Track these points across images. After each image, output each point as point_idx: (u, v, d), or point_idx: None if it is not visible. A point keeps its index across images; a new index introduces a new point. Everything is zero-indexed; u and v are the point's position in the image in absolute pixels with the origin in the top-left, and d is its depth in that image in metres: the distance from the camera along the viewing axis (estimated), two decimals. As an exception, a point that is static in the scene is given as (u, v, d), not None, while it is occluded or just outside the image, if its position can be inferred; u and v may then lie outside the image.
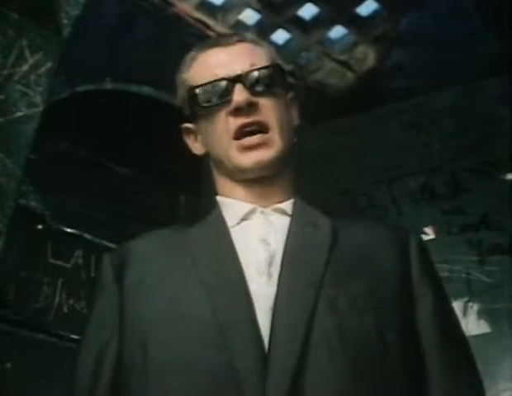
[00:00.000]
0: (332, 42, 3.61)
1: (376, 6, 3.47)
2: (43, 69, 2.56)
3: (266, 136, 1.24)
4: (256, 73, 1.26)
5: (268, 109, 1.25)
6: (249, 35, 1.37)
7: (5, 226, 2.33)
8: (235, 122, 1.24)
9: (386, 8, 3.44)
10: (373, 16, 3.50)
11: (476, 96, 3.23)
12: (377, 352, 1.08)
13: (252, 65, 1.27)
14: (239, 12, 3.38)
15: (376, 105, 3.48)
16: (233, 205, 1.27)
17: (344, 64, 3.64)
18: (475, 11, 3.26)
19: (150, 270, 1.21)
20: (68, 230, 3.11)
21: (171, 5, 3.19)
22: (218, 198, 1.31)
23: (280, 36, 3.56)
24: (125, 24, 3.09)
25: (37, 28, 2.55)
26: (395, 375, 1.09)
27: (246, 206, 1.26)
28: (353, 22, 3.52)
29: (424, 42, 3.41)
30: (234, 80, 1.24)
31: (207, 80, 1.27)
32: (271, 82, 1.28)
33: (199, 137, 1.33)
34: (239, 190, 1.28)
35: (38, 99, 2.53)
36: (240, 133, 1.24)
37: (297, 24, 3.50)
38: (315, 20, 3.50)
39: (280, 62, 1.37)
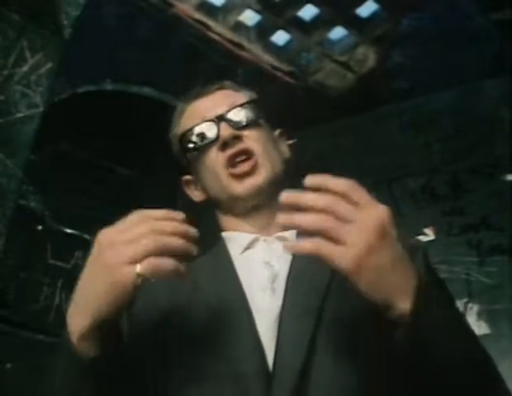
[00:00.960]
0: (332, 43, 3.61)
1: (377, 7, 3.47)
2: (43, 70, 2.56)
3: (254, 160, 1.33)
4: (236, 110, 1.37)
5: (253, 138, 1.36)
6: (228, 83, 1.49)
7: (5, 226, 2.33)
8: (224, 155, 1.34)
9: (386, 9, 3.44)
10: (373, 17, 3.50)
11: (475, 97, 3.23)
12: (384, 357, 1.09)
13: (232, 105, 1.38)
14: (240, 13, 3.38)
15: (376, 105, 3.48)
16: (236, 236, 1.33)
17: (344, 65, 3.64)
18: (475, 12, 3.26)
19: (155, 300, 1.24)
20: (68, 231, 3.11)
21: (171, 6, 3.19)
22: (223, 234, 1.37)
23: (280, 37, 3.56)
24: (125, 25, 3.09)
25: (37, 29, 2.56)
26: (403, 380, 1.08)
27: (249, 237, 1.32)
28: (353, 23, 3.51)
29: (425, 43, 3.41)
30: (217, 120, 1.36)
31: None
32: (251, 115, 1.39)
33: (198, 184, 1.43)
34: (243, 223, 1.35)
35: (38, 100, 2.53)
36: (231, 164, 1.34)
37: (297, 25, 3.49)
38: (315, 21, 3.50)
39: (258, 100, 1.47)
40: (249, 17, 3.44)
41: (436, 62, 3.37)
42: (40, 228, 3.01)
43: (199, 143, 1.37)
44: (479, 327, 2.80)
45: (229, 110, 1.37)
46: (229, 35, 3.38)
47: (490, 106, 3.17)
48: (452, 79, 3.26)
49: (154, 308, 1.23)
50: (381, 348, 1.10)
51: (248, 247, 1.30)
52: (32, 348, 2.81)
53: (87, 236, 3.16)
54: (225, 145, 1.34)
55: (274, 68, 3.54)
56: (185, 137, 1.40)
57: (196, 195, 1.45)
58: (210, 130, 1.36)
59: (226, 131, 1.34)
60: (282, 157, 1.42)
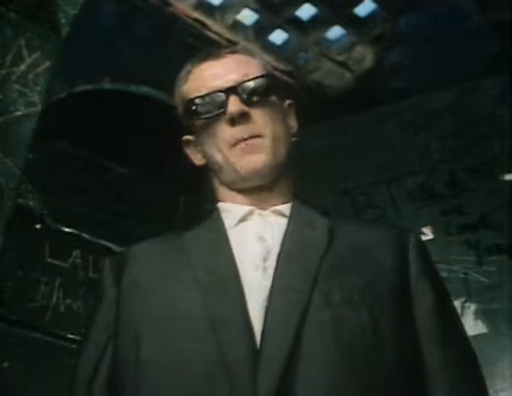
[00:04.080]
0: (330, 42, 3.61)
1: (374, 6, 3.47)
2: (41, 69, 2.56)
3: (260, 140, 1.27)
4: (249, 84, 1.30)
5: (263, 119, 1.29)
6: (241, 47, 1.43)
7: (3, 225, 2.33)
8: (231, 133, 1.28)
9: (384, 8, 3.44)
10: (371, 17, 3.50)
11: (475, 96, 3.23)
12: (371, 346, 1.09)
13: (245, 75, 1.31)
14: (237, 12, 3.39)
15: (374, 105, 3.48)
16: (232, 208, 1.30)
17: (342, 65, 3.64)
18: (474, 11, 3.26)
19: (145, 271, 1.24)
20: (67, 230, 3.11)
21: (169, 5, 3.20)
22: (218, 204, 1.34)
23: (278, 36, 3.57)
24: (123, 23, 3.09)
25: (35, 27, 2.56)
26: (389, 370, 1.09)
27: (244, 209, 1.29)
28: (351, 23, 3.52)
29: (423, 42, 3.41)
30: (228, 91, 1.28)
31: (203, 92, 1.31)
32: (265, 91, 1.32)
33: (199, 148, 1.37)
34: (239, 196, 1.31)
35: (36, 98, 2.53)
36: (237, 144, 1.28)
37: (295, 24, 3.50)
38: (313, 20, 3.50)
39: (270, 69, 1.42)
40: (247, 16, 3.45)
41: (434, 61, 3.38)
42: (38, 226, 3.01)
43: (205, 114, 1.31)
44: (477, 326, 2.80)
45: (240, 83, 1.30)
46: (227, 34, 3.38)
47: (489, 105, 3.17)
48: (451, 78, 3.26)
49: (143, 280, 1.22)
50: (371, 332, 1.10)
51: (242, 220, 1.28)
52: (29, 347, 2.80)
53: (85, 235, 3.16)
54: (232, 121, 1.28)
55: (272, 67, 3.54)
56: (190, 104, 1.33)
57: (196, 157, 1.39)
58: (218, 102, 1.29)
59: (235, 106, 1.27)
60: (289, 134, 1.36)
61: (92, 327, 1.26)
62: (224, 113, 1.28)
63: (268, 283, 1.14)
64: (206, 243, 1.25)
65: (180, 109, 1.39)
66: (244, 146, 1.27)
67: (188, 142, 1.40)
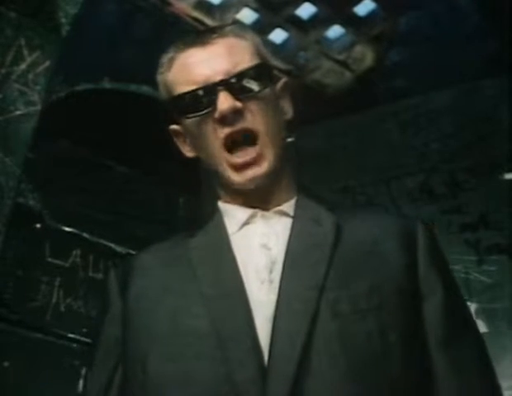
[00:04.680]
0: (330, 41, 3.61)
1: (374, 5, 3.47)
2: (41, 68, 2.56)
3: (257, 150, 1.19)
4: (240, 76, 1.20)
5: (256, 113, 1.20)
6: (230, 29, 1.29)
7: (3, 225, 2.33)
8: (223, 131, 1.18)
9: (383, 8, 3.45)
10: (371, 16, 3.51)
11: (474, 96, 3.23)
12: (380, 355, 1.06)
13: (236, 64, 1.21)
14: (237, 11, 3.38)
15: (374, 104, 3.48)
16: (233, 211, 1.25)
17: (342, 64, 3.64)
18: (473, 11, 3.26)
19: (151, 285, 1.20)
20: (67, 229, 3.11)
21: (169, 4, 3.19)
22: (219, 204, 1.28)
23: (278, 36, 3.56)
24: (123, 23, 3.09)
25: (35, 27, 2.55)
26: (399, 378, 1.06)
27: (246, 212, 1.23)
28: (351, 22, 3.52)
29: (423, 42, 3.42)
30: (217, 86, 1.18)
31: (189, 86, 1.21)
32: (257, 83, 1.21)
33: (187, 140, 1.29)
34: (239, 196, 1.25)
35: (36, 98, 2.53)
36: (230, 141, 1.19)
37: (295, 23, 3.50)
38: (313, 19, 3.50)
39: (264, 52, 1.30)
40: (247, 15, 3.44)
41: (434, 61, 3.38)
42: (38, 226, 3.00)
43: (193, 113, 1.21)
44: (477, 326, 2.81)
45: (232, 76, 1.19)
46: (227, 33, 3.37)
47: (488, 106, 3.18)
48: (451, 78, 3.26)
49: (148, 295, 1.18)
50: (379, 340, 1.07)
51: (245, 223, 1.22)
52: (30, 347, 2.80)
53: (85, 234, 3.15)
54: (223, 118, 1.17)
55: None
56: (177, 101, 1.23)
57: (186, 149, 1.29)
58: (207, 99, 1.18)
59: (226, 103, 1.16)
60: (284, 122, 1.27)
61: (100, 344, 1.23)
62: (214, 110, 1.18)
63: (274, 297, 1.10)
64: (210, 253, 1.20)
65: (164, 98, 1.29)
66: (239, 160, 1.18)
67: (176, 132, 1.30)
